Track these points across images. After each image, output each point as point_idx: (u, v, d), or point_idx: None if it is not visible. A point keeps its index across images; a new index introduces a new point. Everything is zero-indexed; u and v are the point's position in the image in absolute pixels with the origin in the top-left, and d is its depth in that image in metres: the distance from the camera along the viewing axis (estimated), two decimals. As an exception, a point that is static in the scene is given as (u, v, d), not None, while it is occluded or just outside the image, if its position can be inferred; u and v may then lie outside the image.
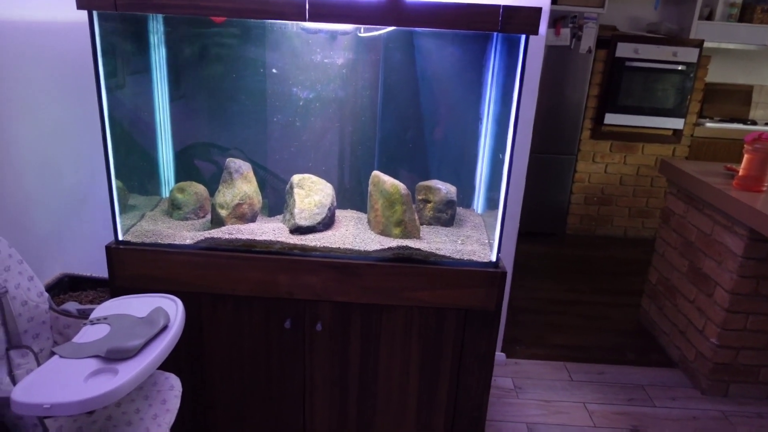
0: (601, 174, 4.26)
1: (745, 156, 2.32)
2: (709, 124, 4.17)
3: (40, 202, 1.81)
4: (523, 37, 1.47)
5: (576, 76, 3.93)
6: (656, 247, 2.93)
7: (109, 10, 1.42)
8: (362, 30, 1.77)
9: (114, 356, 1.23)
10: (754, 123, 4.34)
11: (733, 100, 4.52)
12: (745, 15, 4.18)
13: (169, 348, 1.30)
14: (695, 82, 4.00)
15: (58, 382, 1.17)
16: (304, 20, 1.42)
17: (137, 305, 1.46)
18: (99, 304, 1.79)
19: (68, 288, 1.89)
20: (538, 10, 1.41)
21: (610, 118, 4.06)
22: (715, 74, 4.37)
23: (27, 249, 1.72)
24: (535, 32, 1.42)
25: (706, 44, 3.98)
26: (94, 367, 1.21)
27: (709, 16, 4.19)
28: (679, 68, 3.95)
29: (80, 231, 2.01)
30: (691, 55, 3.91)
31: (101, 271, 1.98)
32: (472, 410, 1.81)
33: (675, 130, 4.12)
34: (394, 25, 1.44)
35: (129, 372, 1.18)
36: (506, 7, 1.40)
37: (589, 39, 3.83)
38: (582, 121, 4.07)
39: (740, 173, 2.35)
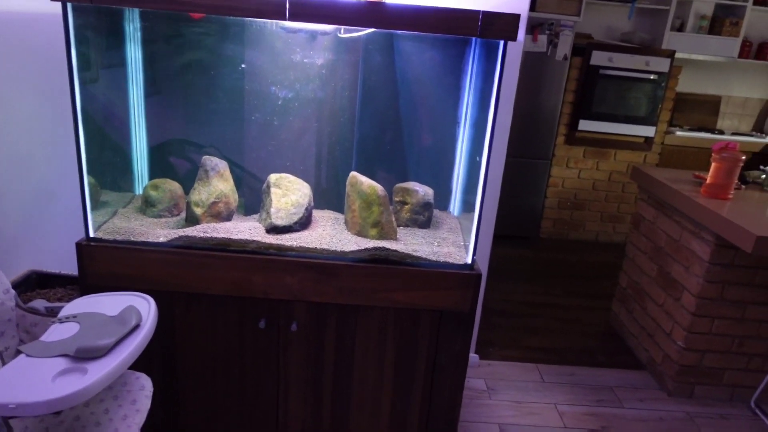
0: (574, 179, 4.34)
1: (713, 165, 2.39)
2: (679, 133, 4.28)
3: (9, 196, 1.76)
4: (502, 42, 1.49)
5: (552, 82, 4.00)
6: (627, 251, 3.00)
7: (85, 3, 1.39)
8: (342, 31, 1.77)
9: (83, 355, 1.20)
10: (721, 132, 4.47)
11: (701, 110, 4.65)
12: (714, 27, 4.31)
13: (140, 347, 1.28)
14: (666, 91, 4.10)
15: (24, 381, 1.14)
16: (284, 19, 1.41)
17: (108, 304, 1.43)
18: (68, 302, 1.75)
19: (36, 285, 1.84)
20: (516, 17, 1.43)
21: (584, 125, 4.14)
22: (686, 84, 4.49)
23: (-6, 245, 1.67)
24: (514, 38, 1.44)
25: (678, 55, 4.09)
26: (62, 366, 1.18)
27: (681, 28, 4.31)
28: (652, 77, 4.04)
29: (50, 227, 1.96)
30: (663, 64, 4.01)
31: (71, 268, 1.94)
32: (446, 411, 1.82)
33: (646, 138, 4.21)
34: (374, 27, 1.45)
35: (98, 371, 1.16)
36: (486, 13, 1.42)
37: (565, 46, 3.90)
38: (557, 126, 4.14)
39: (708, 181, 2.42)
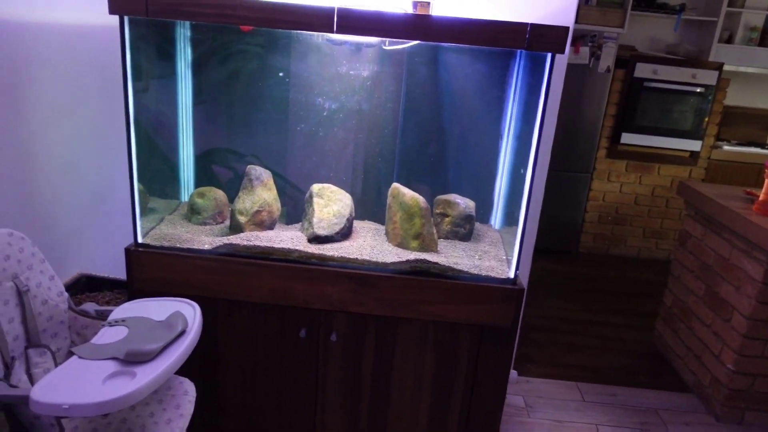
0: (616, 193, 4.24)
1: (766, 181, 2.30)
2: (726, 147, 4.15)
3: (63, 201, 1.83)
4: (549, 55, 1.47)
5: (594, 94, 3.93)
6: (672, 269, 2.91)
7: (141, 16, 1.44)
8: (387, 43, 1.79)
9: (132, 359, 1.23)
10: (772, 147, 4.31)
11: (751, 124, 4.49)
12: (765, 39, 4.17)
13: (186, 353, 1.30)
14: (714, 104, 3.98)
15: (76, 382, 1.17)
16: (332, 32, 1.43)
17: (155, 308, 1.47)
18: (117, 305, 1.80)
19: (85, 288, 1.90)
20: (565, 30, 1.41)
21: (627, 138, 4.05)
22: (734, 97, 4.35)
23: (47, 248, 1.73)
24: (562, 51, 1.43)
25: (726, 67, 3.96)
26: (112, 369, 1.21)
27: (729, 40, 4.18)
28: (698, 90, 3.93)
29: (99, 232, 2.02)
30: (710, 77, 3.90)
31: (118, 272, 1.99)
32: (485, 427, 1.79)
33: (692, 152, 4.09)
34: (420, 40, 1.45)
35: (147, 376, 1.18)
36: (534, 26, 1.40)
37: (608, 58, 3.83)
38: (598, 139, 4.06)
39: (761, 198, 2.32)
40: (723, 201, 2.46)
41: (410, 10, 1.66)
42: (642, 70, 3.91)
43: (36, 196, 1.71)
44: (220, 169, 2.00)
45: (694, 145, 4.05)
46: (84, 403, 1.10)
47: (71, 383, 1.17)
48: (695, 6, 4.16)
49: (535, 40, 1.42)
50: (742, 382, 2.33)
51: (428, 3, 1.64)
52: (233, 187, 1.96)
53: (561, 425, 2.26)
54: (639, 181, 4.20)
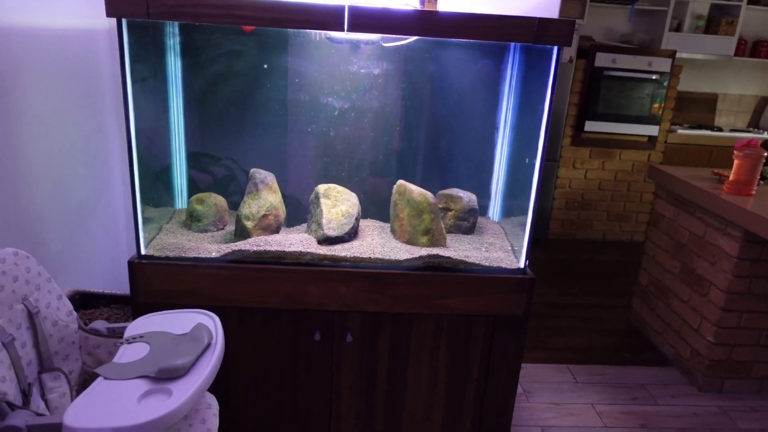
0: (581, 179, 4.39)
1: (735, 162, 2.44)
2: (680, 131, 4.36)
3: (52, 216, 1.73)
4: (556, 48, 1.51)
5: (558, 84, 4.04)
6: (646, 249, 3.04)
7: (142, 18, 1.38)
8: (386, 40, 1.78)
9: (165, 375, 1.18)
10: (719, 129, 4.57)
11: (700, 108, 4.75)
12: (710, 27, 4.41)
13: (218, 365, 1.26)
14: (668, 90, 4.17)
15: (110, 405, 1.12)
16: (343, 30, 1.41)
17: (172, 322, 1.41)
18: (118, 321, 1.73)
19: (80, 306, 1.81)
20: (572, 23, 1.45)
21: (590, 125, 4.19)
22: (685, 83, 4.58)
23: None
24: (569, 44, 1.46)
25: (677, 54, 4.16)
26: (145, 388, 1.16)
27: (678, 28, 4.39)
28: (654, 77, 4.12)
29: (89, 246, 1.93)
30: (664, 64, 4.09)
31: (112, 286, 1.91)
32: (498, 415, 1.83)
33: (650, 137, 4.28)
34: (430, 36, 1.45)
35: (184, 392, 1.14)
36: (542, 20, 1.43)
37: (570, 49, 3.95)
38: (563, 128, 4.19)
39: (731, 178, 2.46)
40: (694, 182, 2.60)
41: (418, 6, 1.66)
42: (601, 60, 4.05)
43: (24, 212, 1.61)
44: (215, 173, 1.95)
45: (652, 130, 4.24)
46: (125, 426, 1.05)
47: (105, 406, 1.11)
48: (647, -4, 4.35)
49: (542, 33, 1.45)
50: (722, 353, 2.47)
51: (436, -1, 1.65)
52: (227, 191, 1.91)
53: (560, 407, 2.34)
54: (602, 166, 4.37)
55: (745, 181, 2.41)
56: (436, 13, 1.44)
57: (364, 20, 1.41)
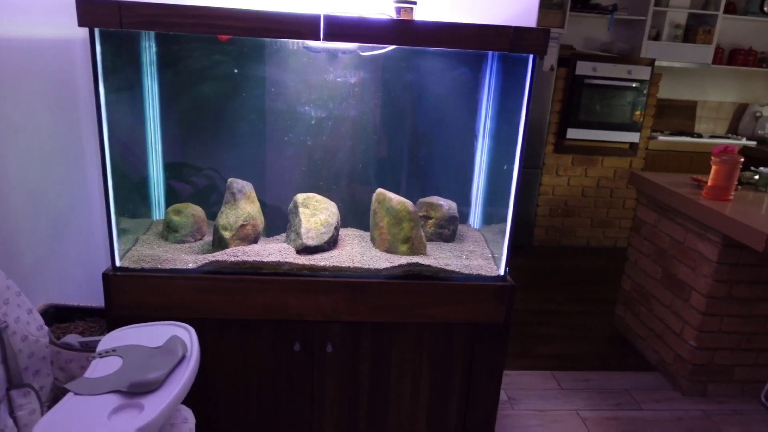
0: (564, 186, 4.42)
1: (713, 167, 2.47)
2: (661, 138, 4.42)
3: (25, 228, 1.69)
4: (531, 57, 1.52)
5: (540, 93, 4.08)
6: (628, 255, 3.06)
7: (114, 28, 1.36)
8: (363, 49, 1.78)
9: (137, 390, 1.16)
10: (699, 136, 4.63)
11: (679, 115, 4.82)
12: (688, 36, 4.48)
13: (192, 378, 1.24)
14: (648, 98, 4.23)
15: (79, 421, 1.09)
16: (319, 40, 1.41)
17: (146, 335, 1.39)
18: (93, 335, 1.70)
19: (54, 319, 1.77)
20: (547, 32, 1.46)
21: (572, 133, 4.23)
22: (665, 91, 4.64)
23: (14, 279, 1.60)
24: (544, 52, 1.47)
25: (656, 63, 4.22)
26: (116, 403, 1.14)
27: (657, 37, 4.46)
28: (634, 85, 4.17)
29: (63, 259, 1.89)
30: (644, 72, 4.14)
31: (87, 299, 1.87)
32: (482, 424, 1.82)
33: (631, 144, 4.33)
34: (407, 45, 1.45)
35: (157, 407, 1.12)
36: (517, 28, 1.44)
37: (551, 57, 3.99)
38: (546, 135, 4.22)
39: (709, 183, 2.49)
40: (674, 188, 2.62)
41: (394, 16, 1.66)
42: (582, 68, 4.10)
43: (-3, 224, 1.58)
44: (193, 184, 1.93)
45: (633, 137, 4.29)
46: (94, 443, 1.03)
47: (74, 422, 1.08)
48: (626, 6, 4.41)
49: (517, 42, 1.46)
50: (704, 357, 2.48)
51: (411, 8, 1.65)
52: (207, 202, 1.89)
53: (544, 414, 2.33)
54: (585, 173, 4.40)
55: (723, 187, 2.44)
56: (411, 22, 1.44)
57: (339, 29, 1.41)
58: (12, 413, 1.26)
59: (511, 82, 1.80)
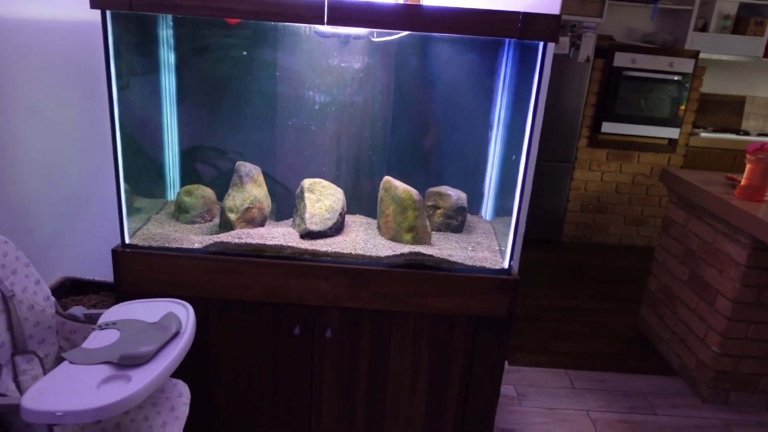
0: (597, 182, 4.29)
1: (748, 166, 2.34)
2: (703, 134, 4.22)
3: (43, 203, 1.77)
4: (542, 44, 1.47)
5: (574, 84, 3.96)
6: (656, 255, 2.95)
7: (124, 10, 1.39)
8: (375, 35, 1.76)
9: (127, 363, 1.20)
10: (746, 133, 4.40)
11: (726, 111, 4.58)
12: (738, 27, 4.25)
13: (182, 354, 1.27)
14: (691, 92, 4.04)
15: (69, 389, 1.13)
16: (323, 23, 1.40)
17: (146, 310, 1.43)
18: (103, 308, 1.76)
19: (70, 292, 1.84)
20: (557, 18, 1.41)
21: (607, 127, 4.09)
22: (710, 85, 4.43)
23: (29, 251, 1.67)
24: (555, 40, 1.42)
25: (701, 55, 4.03)
26: (106, 374, 1.18)
27: (704, 28, 4.24)
28: (675, 78, 3.99)
29: (83, 234, 1.97)
30: (687, 65, 3.96)
31: (103, 274, 1.94)
32: (481, 418, 1.80)
33: (670, 140, 4.16)
34: (412, 30, 1.43)
35: (143, 379, 1.15)
36: (526, 14, 1.40)
37: (587, 48, 3.86)
38: (579, 129, 4.10)
39: (742, 183, 2.37)
40: (705, 186, 2.51)
41: (400, 0, 1.64)
42: (620, 60, 3.95)
43: (15, 199, 1.65)
44: (206, 166, 1.96)
45: (673, 133, 4.11)
46: (79, 410, 1.07)
47: (64, 389, 1.13)
48: (671, -5, 4.22)
49: (527, 28, 1.41)
50: (727, 364, 2.38)
51: (418, -7, 1.62)
52: (220, 184, 1.92)
53: (552, 412, 2.29)
54: (619, 169, 4.26)
55: (757, 187, 2.31)
56: (417, 6, 1.41)
57: (344, 14, 1.40)
58: (15, 378, 1.32)
59: (527, 70, 1.75)
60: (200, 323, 1.69)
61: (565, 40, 3.83)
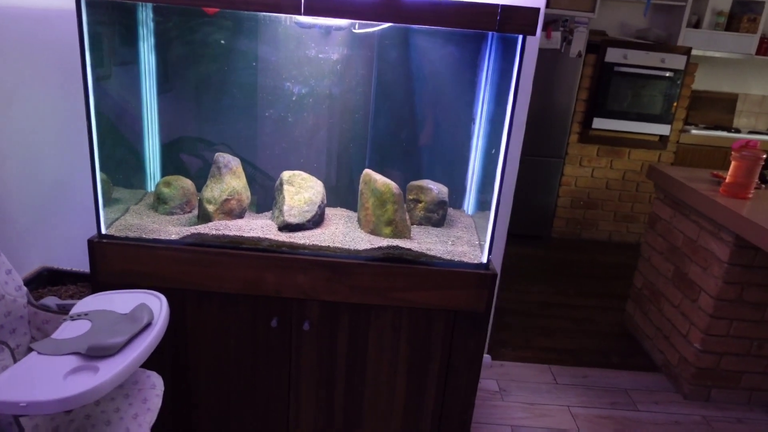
0: (587, 178, 4.29)
1: (732, 163, 2.34)
2: (694, 131, 4.22)
3: (20, 192, 1.75)
4: (521, 37, 1.46)
5: (565, 79, 3.95)
6: (642, 251, 2.95)
7: (97, -3, 1.38)
8: (357, 26, 1.75)
9: (95, 353, 1.19)
10: (738, 131, 4.40)
11: (717, 108, 4.58)
12: (731, 24, 4.24)
13: (152, 346, 1.26)
14: (682, 88, 4.04)
15: (35, 379, 1.13)
16: (300, 14, 1.39)
17: (120, 301, 1.42)
18: (80, 299, 1.74)
19: (47, 282, 1.83)
20: (536, 11, 1.39)
21: (598, 123, 4.09)
22: (702, 82, 4.43)
23: (6, 241, 1.66)
24: (533, 33, 1.41)
25: (694, 52, 4.02)
26: (73, 365, 1.17)
27: (697, 24, 4.24)
28: (667, 75, 3.99)
29: (61, 223, 1.95)
30: (678, 62, 3.95)
31: (82, 265, 1.93)
32: (460, 412, 1.80)
33: (661, 136, 4.16)
34: (391, 22, 1.42)
35: (110, 370, 1.15)
36: (504, 7, 1.38)
37: (579, 43, 3.85)
38: (570, 124, 4.09)
39: (727, 180, 2.37)
40: (691, 183, 2.51)
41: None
42: (612, 55, 3.94)
43: (-9, 187, 1.64)
44: (187, 157, 1.95)
45: (664, 129, 4.11)
46: (43, 401, 1.06)
47: (30, 380, 1.12)
48: (664, -9, 4.20)
49: (505, 21, 1.40)
50: (709, 361, 2.39)
51: (397, -16, 1.60)
52: (201, 176, 1.91)
53: (533, 407, 2.29)
54: (610, 165, 4.26)
55: (742, 184, 2.32)
56: (395, -2, 1.40)
57: (321, 4, 1.38)
58: (-15, 368, 1.31)
59: (509, 64, 1.74)
60: (177, 315, 1.68)
61: (556, 35, 3.82)
